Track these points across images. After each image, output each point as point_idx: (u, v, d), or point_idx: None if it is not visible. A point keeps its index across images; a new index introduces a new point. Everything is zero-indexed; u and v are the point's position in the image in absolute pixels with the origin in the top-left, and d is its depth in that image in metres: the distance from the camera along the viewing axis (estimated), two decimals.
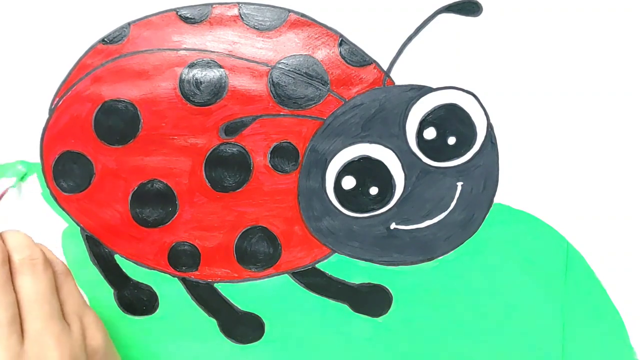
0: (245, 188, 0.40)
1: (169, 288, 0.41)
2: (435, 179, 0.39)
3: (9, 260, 0.31)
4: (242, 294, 0.41)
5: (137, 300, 0.41)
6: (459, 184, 0.40)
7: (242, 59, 0.39)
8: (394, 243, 0.40)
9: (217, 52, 0.39)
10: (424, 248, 0.40)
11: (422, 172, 0.39)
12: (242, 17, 0.39)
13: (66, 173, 0.40)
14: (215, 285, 0.41)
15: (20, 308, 0.30)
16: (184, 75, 0.39)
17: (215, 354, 0.41)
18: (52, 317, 0.31)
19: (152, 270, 0.41)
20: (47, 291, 0.31)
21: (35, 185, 0.40)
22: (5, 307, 0.29)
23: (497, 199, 0.40)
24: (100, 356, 0.34)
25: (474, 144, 0.39)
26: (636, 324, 0.41)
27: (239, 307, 0.41)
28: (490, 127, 0.39)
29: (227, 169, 0.39)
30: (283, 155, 0.39)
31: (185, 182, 0.40)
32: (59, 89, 0.40)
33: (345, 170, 0.39)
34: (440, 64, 0.39)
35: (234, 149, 0.39)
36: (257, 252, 0.40)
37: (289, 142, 0.39)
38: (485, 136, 0.39)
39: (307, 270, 0.41)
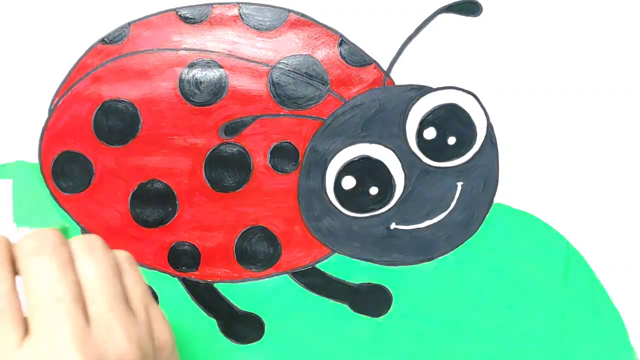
0: (245, 188, 0.40)
1: (169, 288, 0.41)
2: (435, 179, 0.39)
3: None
4: (242, 294, 0.41)
5: None
6: (459, 184, 0.40)
7: (242, 59, 0.39)
8: (394, 243, 0.40)
9: (217, 52, 0.39)
10: (424, 248, 0.40)
11: (422, 172, 0.39)
12: (242, 17, 0.39)
13: (66, 173, 0.40)
14: (215, 285, 0.41)
15: (82, 291, 0.28)
16: (184, 75, 0.39)
17: (215, 354, 0.41)
18: (115, 300, 0.28)
19: (152, 270, 0.41)
20: (109, 273, 0.29)
21: (35, 185, 0.40)
22: (69, 284, 0.27)
23: (497, 199, 0.40)
24: (168, 354, 0.31)
25: (474, 144, 0.39)
26: (636, 324, 0.41)
27: (239, 307, 0.41)
28: (490, 127, 0.39)
29: (227, 169, 0.39)
30: (283, 155, 0.39)
31: (185, 182, 0.40)
32: (58, 89, 0.40)
33: (345, 170, 0.39)
34: (440, 64, 0.39)
35: (234, 149, 0.39)
36: (257, 252, 0.40)
37: (289, 142, 0.39)
38: (485, 136, 0.39)
39: (307, 270, 0.41)
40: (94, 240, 0.30)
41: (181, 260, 0.40)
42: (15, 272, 0.28)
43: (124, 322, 0.28)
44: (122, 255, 0.31)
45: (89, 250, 0.29)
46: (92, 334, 0.27)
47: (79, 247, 0.29)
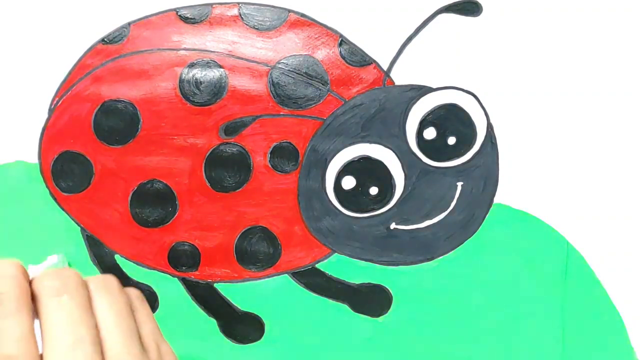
0: (245, 188, 0.40)
1: (169, 288, 0.41)
2: (435, 179, 0.39)
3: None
4: (242, 294, 0.41)
5: None
6: (459, 184, 0.40)
7: (242, 59, 0.39)
8: (394, 243, 0.40)
9: (217, 52, 0.39)
10: (424, 248, 0.40)
11: (422, 172, 0.39)
12: (242, 17, 0.39)
13: (65, 173, 0.40)
14: (215, 285, 0.41)
15: (100, 332, 0.29)
16: (183, 75, 0.39)
17: (215, 354, 0.41)
18: (131, 340, 0.29)
19: (152, 270, 0.41)
20: (124, 314, 0.30)
21: (35, 185, 0.40)
22: (88, 327, 0.28)
23: (497, 199, 0.40)
24: None
25: (474, 144, 0.39)
26: (636, 324, 0.41)
27: (239, 307, 0.41)
28: (490, 127, 0.39)
29: (227, 169, 0.39)
30: (283, 155, 0.39)
31: (185, 182, 0.40)
32: (58, 89, 0.40)
33: (345, 170, 0.39)
34: (440, 64, 0.39)
35: (234, 149, 0.39)
36: (257, 252, 0.40)
37: (289, 142, 0.39)
38: (485, 136, 0.39)
39: (307, 270, 0.41)
40: (110, 280, 0.31)
41: (181, 260, 0.40)
42: (34, 311, 0.28)
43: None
44: (133, 293, 0.32)
45: (105, 290, 0.30)
46: None
47: (96, 287, 0.30)
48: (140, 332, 0.31)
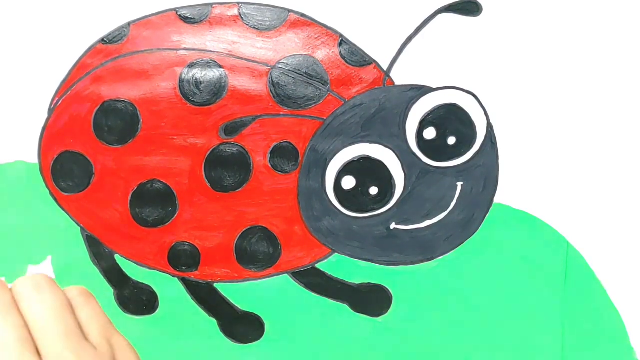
0: (245, 188, 0.40)
1: (169, 288, 0.41)
2: (435, 179, 0.39)
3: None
4: (242, 294, 0.41)
5: (137, 300, 0.41)
6: (459, 184, 0.40)
7: (242, 58, 0.39)
8: (394, 243, 0.40)
9: (217, 52, 0.39)
10: (424, 248, 0.40)
11: (422, 172, 0.39)
12: (242, 17, 0.39)
13: (65, 173, 0.40)
14: (215, 285, 0.41)
15: (32, 333, 0.27)
16: (183, 75, 0.39)
17: (215, 354, 0.41)
18: (68, 335, 0.27)
19: (152, 270, 0.41)
20: (58, 310, 0.28)
21: (35, 185, 0.40)
22: (12, 327, 0.26)
23: (497, 199, 0.40)
24: None
25: (474, 144, 0.39)
26: (636, 324, 0.41)
27: (239, 307, 0.41)
28: (490, 127, 0.39)
29: (227, 169, 0.39)
30: (283, 155, 0.39)
31: (185, 182, 0.40)
32: (58, 89, 0.40)
33: (345, 170, 0.39)
34: (440, 64, 0.39)
35: (234, 149, 0.39)
36: (257, 252, 0.40)
37: (289, 142, 0.39)
38: (485, 136, 0.39)
39: (307, 270, 0.41)
40: (39, 279, 0.29)
41: (181, 260, 0.40)
42: None
43: (81, 356, 0.27)
44: (75, 290, 0.30)
45: (34, 290, 0.28)
46: None
47: (22, 288, 0.28)
48: (85, 330, 0.29)
